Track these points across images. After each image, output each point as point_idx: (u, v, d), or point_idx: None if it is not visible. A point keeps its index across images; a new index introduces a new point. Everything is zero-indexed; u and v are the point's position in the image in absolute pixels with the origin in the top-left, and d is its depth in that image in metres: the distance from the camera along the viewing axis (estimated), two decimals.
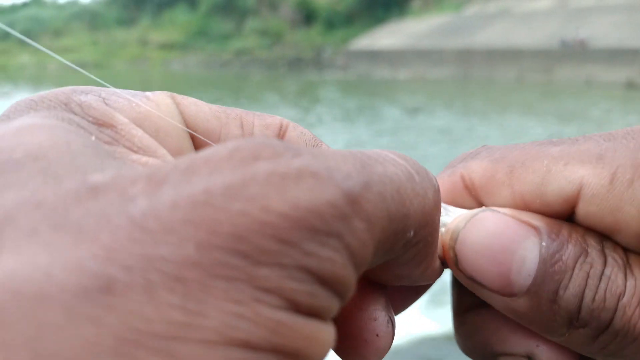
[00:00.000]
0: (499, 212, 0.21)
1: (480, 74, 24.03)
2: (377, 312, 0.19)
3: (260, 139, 0.14)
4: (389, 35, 35.29)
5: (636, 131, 0.20)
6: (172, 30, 52.50)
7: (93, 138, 0.17)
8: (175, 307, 0.11)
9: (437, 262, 0.21)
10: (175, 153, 0.20)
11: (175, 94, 0.22)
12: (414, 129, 9.66)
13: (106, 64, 43.16)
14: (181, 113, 0.21)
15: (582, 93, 16.49)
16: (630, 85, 17.91)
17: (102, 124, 0.18)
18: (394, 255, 0.17)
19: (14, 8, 68.02)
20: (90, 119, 0.18)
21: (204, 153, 0.14)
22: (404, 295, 0.25)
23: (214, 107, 0.22)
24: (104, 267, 0.11)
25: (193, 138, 0.21)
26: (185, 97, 0.22)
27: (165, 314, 0.11)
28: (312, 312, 0.13)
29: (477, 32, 29.99)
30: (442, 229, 0.22)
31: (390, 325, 0.19)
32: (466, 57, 26.31)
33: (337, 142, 8.22)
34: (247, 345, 0.12)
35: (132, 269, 0.11)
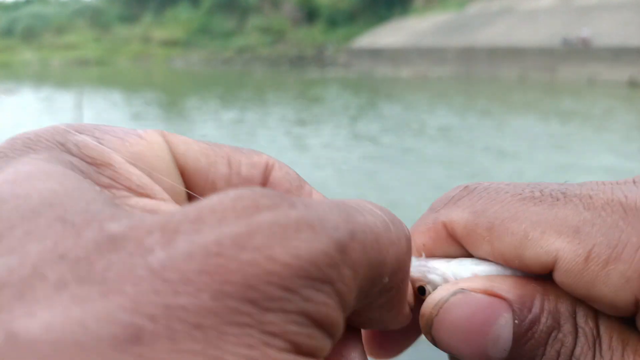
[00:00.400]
0: (471, 293, 0.22)
1: (482, 72, 24.01)
2: None
3: (258, 189, 0.16)
4: (392, 33, 35.25)
5: (615, 201, 0.21)
6: (174, 28, 52.52)
7: (98, 189, 0.18)
8: (197, 353, 0.12)
9: (407, 308, 0.22)
10: (168, 190, 0.21)
11: (165, 132, 0.22)
12: (415, 127, 9.67)
13: (109, 60, 43.21)
14: (171, 151, 0.22)
15: (584, 92, 16.47)
16: (633, 84, 17.89)
17: (100, 164, 0.19)
18: (370, 300, 0.18)
19: (16, 5, 68.13)
20: (88, 159, 0.19)
21: (208, 202, 0.15)
22: (397, 340, 0.25)
23: (202, 144, 0.23)
24: (132, 318, 0.12)
25: (183, 176, 0.22)
26: (175, 135, 0.22)
27: None
28: (310, 353, 0.14)
29: (479, 30, 29.95)
30: (428, 287, 0.23)
31: None
32: (469, 55, 26.29)
33: (338, 140, 8.24)
34: None
35: (157, 319, 0.12)
